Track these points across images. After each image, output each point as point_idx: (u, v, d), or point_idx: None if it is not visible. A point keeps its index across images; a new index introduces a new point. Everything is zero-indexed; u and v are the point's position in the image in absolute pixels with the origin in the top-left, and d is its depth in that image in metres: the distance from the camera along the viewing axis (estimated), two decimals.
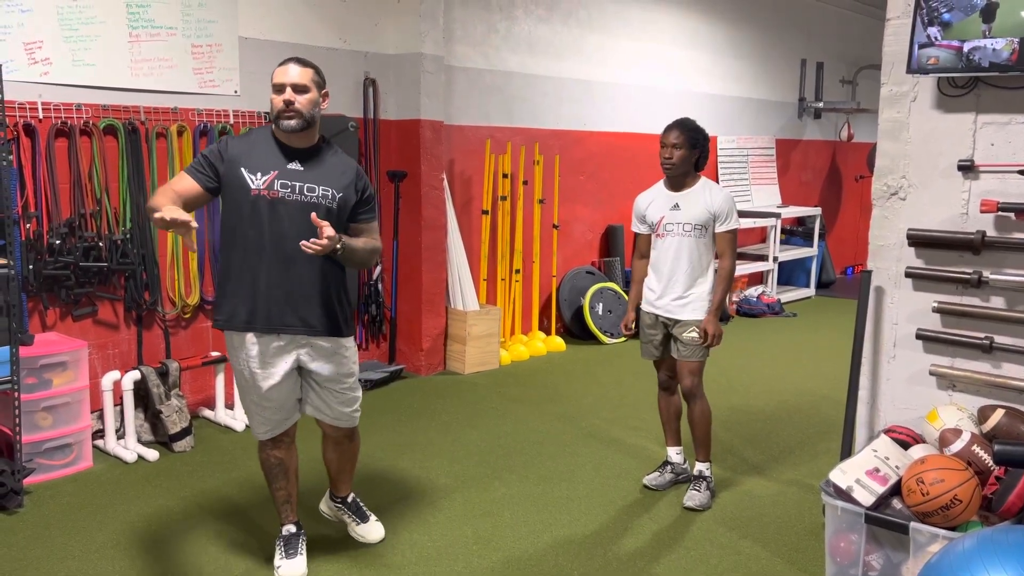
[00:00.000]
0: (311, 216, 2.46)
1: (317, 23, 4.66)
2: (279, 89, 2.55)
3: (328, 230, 2.44)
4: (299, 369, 2.70)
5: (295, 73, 2.56)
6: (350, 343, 2.77)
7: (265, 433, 2.74)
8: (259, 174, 2.56)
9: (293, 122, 2.54)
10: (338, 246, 2.49)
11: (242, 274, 2.59)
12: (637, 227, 3.50)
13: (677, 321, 3.33)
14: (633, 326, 3.53)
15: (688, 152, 3.28)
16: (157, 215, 2.31)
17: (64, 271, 3.72)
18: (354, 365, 2.79)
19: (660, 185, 3.45)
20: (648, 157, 6.84)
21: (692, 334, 3.30)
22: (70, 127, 3.73)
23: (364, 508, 3.06)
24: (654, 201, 3.41)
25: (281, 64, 2.60)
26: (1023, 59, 2.49)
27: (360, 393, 2.85)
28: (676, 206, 3.33)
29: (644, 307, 3.46)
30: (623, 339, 6.13)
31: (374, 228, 2.78)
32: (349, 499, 3.05)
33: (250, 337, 2.61)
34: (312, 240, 2.42)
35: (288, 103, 2.52)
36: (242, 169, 2.56)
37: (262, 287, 2.58)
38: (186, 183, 2.58)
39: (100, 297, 3.93)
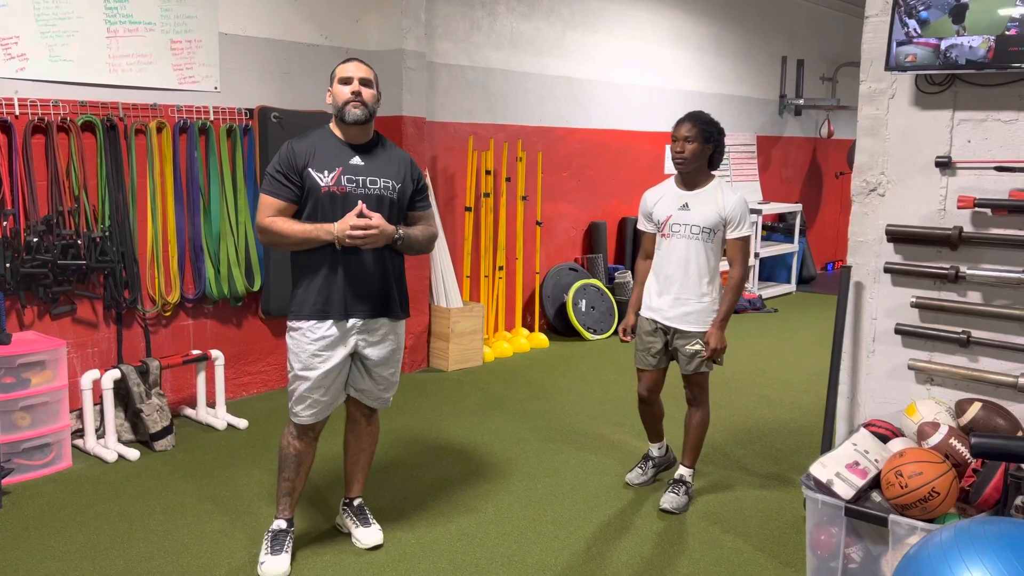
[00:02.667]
0: (359, 204, 2.63)
1: (298, 19, 4.63)
2: (347, 81, 2.70)
3: (376, 219, 2.62)
4: (352, 355, 2.81)
5: (362, 68, 2.75)
6: (403, 327, 2.92)
7: (310, 416, 2.79)
8: (326, 171, 2.69)
9: (359, 111, 2.69)
10: (397, 235, 2.70)
11: (318, 267, 2.71)
12: (643, 225, 3.33)
13: (678, 331, 3.20)
14: (631, 330, 3.36)
15: (701, 146, 3.13)
16: (350, 232, 2.58)
17: (42, 269, 3.68)
18: (401, 352, 2.94)
19: (671, 182, 3.27)
20: (631, 154, 6.87)
21: (696, 347, 3.17)
22: (47, 123, 3.69)
23: (369, 515, 3.05)
24: (663, 198, 3.24)
25: (344, 62, 2.76)
26: (999, 57, 2.52)
27: (398, 380, 2.97)
28: (685, 206, 3.17)
29: (643, 312, 3.30)
30: (606, 335, 6.15)
31: (430, 215, 2.95)
32: (355, 503, 3.05)
33: (321, 324, 2.71)
34: (359, 231, 2.58)
35: (356, 93, 2.68)
36: (310, 168, 2.68)
37: (336, 277, 2.71)
38: (280, 206, 2.69)
39: (79, 295, 3.89)
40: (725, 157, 7.90)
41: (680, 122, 3.17)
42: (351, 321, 2.74)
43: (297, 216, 2.71)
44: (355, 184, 2.70)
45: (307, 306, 2.72)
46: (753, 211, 7.71)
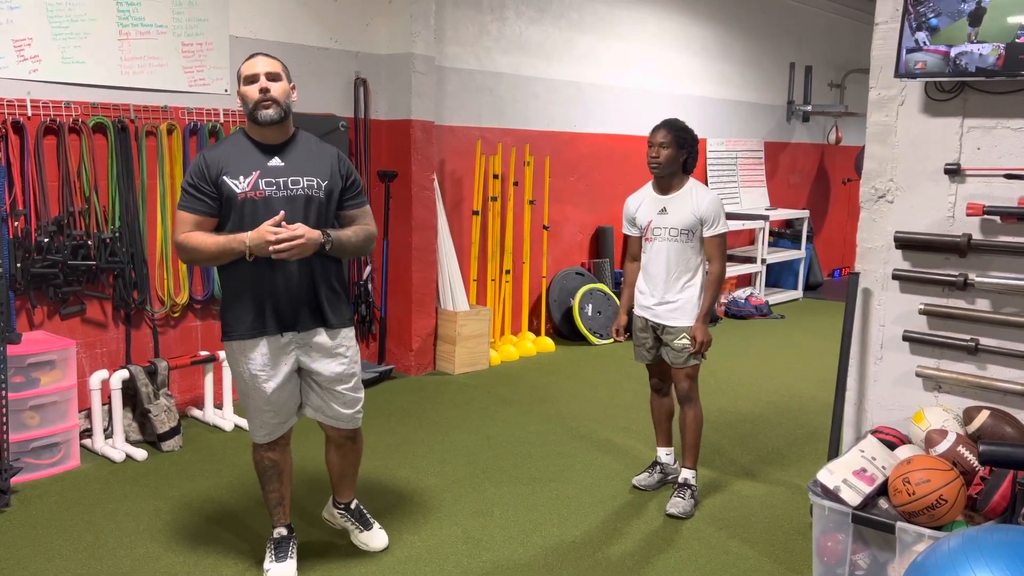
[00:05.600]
0: (280, 213, 2.45)
1: (308, 22, 4.65)
2: (252, 79, 2.53)
3: (300, 229, 2.45)
4: (299, 371, 2.70)
5: (266, 63, 2.56)
6: (350, 339, 2.75)
7: (263, 437, 2.72)
8: (242, 177, 2.53)
9: (271, 111, 2.52)
10: (324, 240, 2.52)
11: (242, 280, 2.57)
12: (628, 229, 3.46)
13: (666, 327, 3.30)
14: (624, 330, 3.49)
15: (675, 152, 3.23)
16: (273, 248, 2.41)
17: (52, 269, 3.70)
18: (356, 365, 2.78)
19: (648, 187, 3.40)
20: (638, 159, 6.85)
21: (683, 341, 3.25)
22: (59, 125, 3.71)
23: (367, 515, 3.01)
24: (643, 204, 3.37)
25: (248, 59, 2.60)
26: (1009, 64, 2.52)
27: (363, 395, 2.83)
28: (663, 210, 3.28)
29: (636, 310, 3.43)
30: (612, 340, 6.15)
31: (366, 212, 2.77)
32: (352, 505, 3.01)
33: (256, 342, 2.60)
34: (281, 243, 2.41)
35: (264, 90, 2.51)
36: (225, 177, 2.53)
37: (264, 290, 2.57)
38: (196, 220, 2.53)
39: (88, 296, 3.91)
40: (732, 162, 7.96)
41: (656, 129, 3.28)
42: (287, 335, 2.61)
43: (219, 230, 2.55)
44: (275, 187, 2.53)
45: (239, 324, 2.59)
46: (760, 217, 7.71)
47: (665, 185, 3.31)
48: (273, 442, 2.75)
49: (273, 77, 2.54)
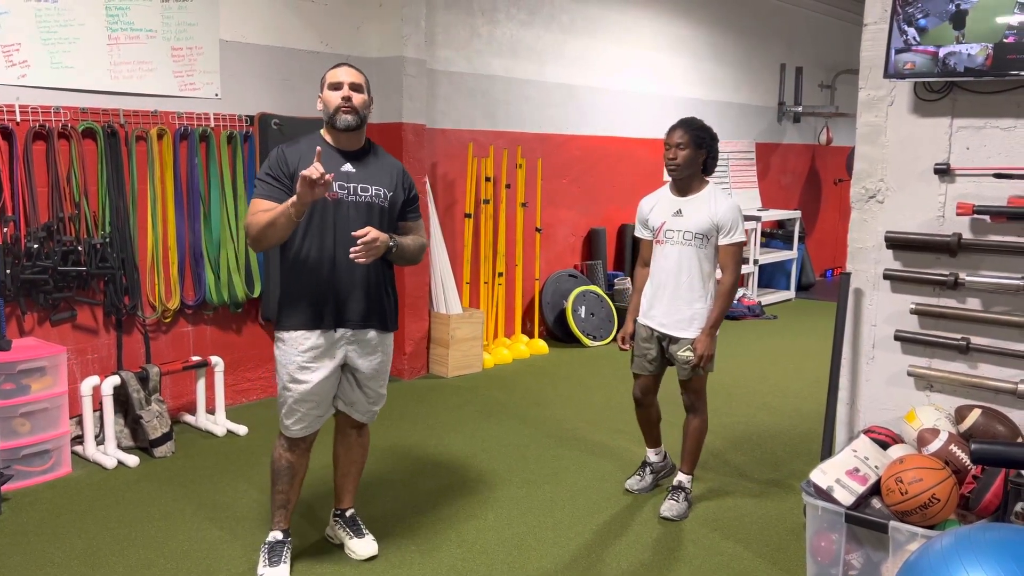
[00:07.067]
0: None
1: (298, 26, 4.65)
2: (337, 87, 2.65)
3: (372, 233, 2.53)
4: (342, 366, 2.77)
5: (352, 73, 2.69)
6: (391, 340, 2.88)
7: (300, 430, 2.76)
8: None
9: (350, 118, 2.65)
10: (391, 244, 2.62)
11: (307, 274, 2.67)
12: (640, 232, 3.34)
13: (671, 338, 3.22)
14: (631, 338, 3.36)
15: (694, 152, 3.12)
16: (302, 198, 2.42)
17: (42, 275, 3.68)
18: (389, 364, 2.89)
19: (666, 188, 3.30)
20: (631, 161, 6.88)
21: (687, 354, 3.17)
22: (48, 130, 3.70)
23: (361, 525, 3.02)
24: (657, 205, 3.27)
25: (334, 67, 2.72)
26: (997, 64, 2.53)
27: (386, 392, 2.92)
28: (679, 212, 3.18)
29: (640, 319, 3.32)
30: (606, 342, 6.15)
31: (421, 226, 2.91)
32: (347, 514, 3.02)
33: (309, 334, 2.67)
34: (360, 246, 2.50)
35: (347, 99, 2.63)
36: (301, 173, 2.58)
37: (325, 285, 2.66)
38: (269, 207, 2.59)
39: (79, 302, 3.89)
40: (724, 164, 7.97)
41: (672, 129, 3.18)
42: (340, 331, 2.69)
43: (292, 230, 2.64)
44: (346, 191, 2.66)
45: (295, 315, 2.67)
46: (752, 218, 7.72)
47: (684, 187, 3.21)
48: (295, 443, 2.78)
49: (356, 88, 2.67)
